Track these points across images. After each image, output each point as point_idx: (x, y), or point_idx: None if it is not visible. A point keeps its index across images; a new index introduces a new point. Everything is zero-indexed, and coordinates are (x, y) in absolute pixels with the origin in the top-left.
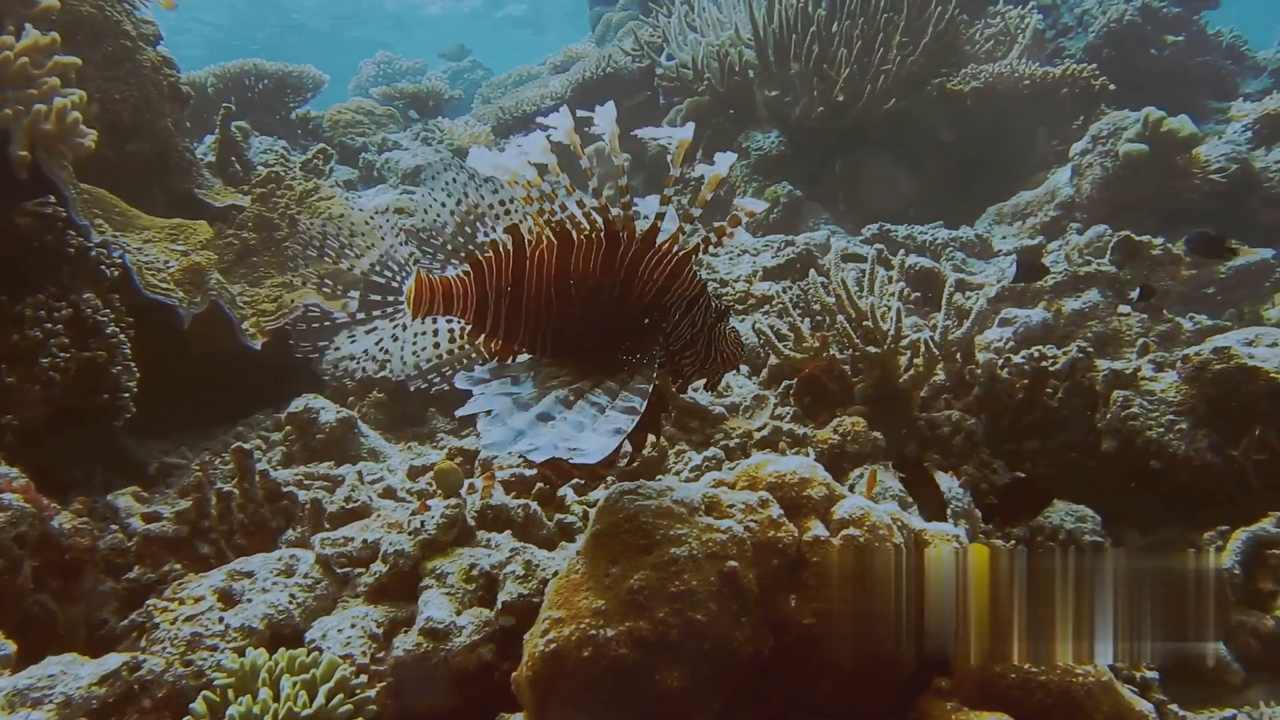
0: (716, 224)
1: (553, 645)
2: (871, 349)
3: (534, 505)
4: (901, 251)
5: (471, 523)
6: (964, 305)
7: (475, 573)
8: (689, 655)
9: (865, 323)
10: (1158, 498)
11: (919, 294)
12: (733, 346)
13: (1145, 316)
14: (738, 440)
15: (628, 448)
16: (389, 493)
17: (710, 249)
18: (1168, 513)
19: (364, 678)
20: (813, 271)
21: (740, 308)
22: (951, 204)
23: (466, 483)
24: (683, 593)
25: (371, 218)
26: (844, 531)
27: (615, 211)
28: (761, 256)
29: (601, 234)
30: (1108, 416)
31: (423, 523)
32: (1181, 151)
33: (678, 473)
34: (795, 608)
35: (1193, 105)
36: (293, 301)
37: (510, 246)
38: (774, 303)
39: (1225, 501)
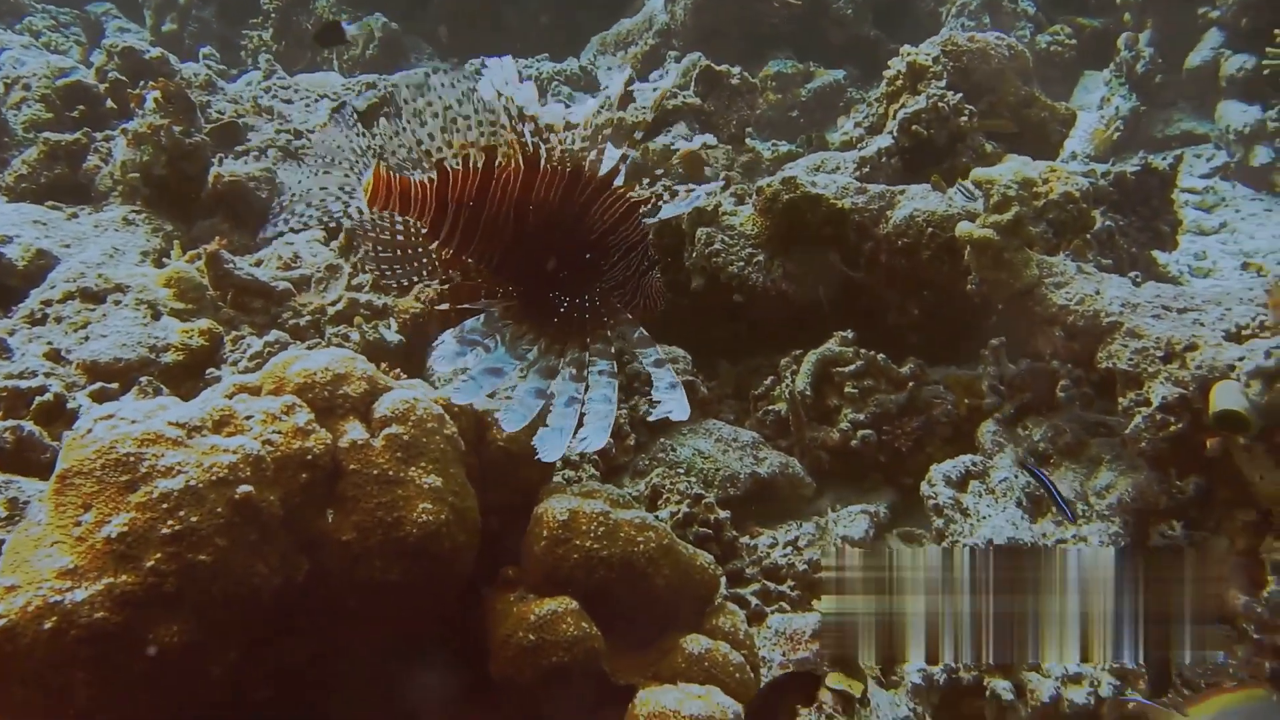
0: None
1: (0, 621)
2: None
3: (29, 426)
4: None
5: None
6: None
7: None
8: (193, 604)
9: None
10: (746, 329)
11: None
12: (656, 295)
13: (730, 147)
14: (309, 318)
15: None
16: None
17: (659, 202)
18: (755, 342)
19: None
20: (382, 120)
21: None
22: (556, 34)
23: None
24: (180, 533)
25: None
26: (386, 430)
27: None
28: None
29: (567, 168)
30: (694, 255)
31: None
32: None
33: (234, 363)
34: (333, 524)
35: None
36: None
37: (481, 165)
38: None
39: (803, 325)
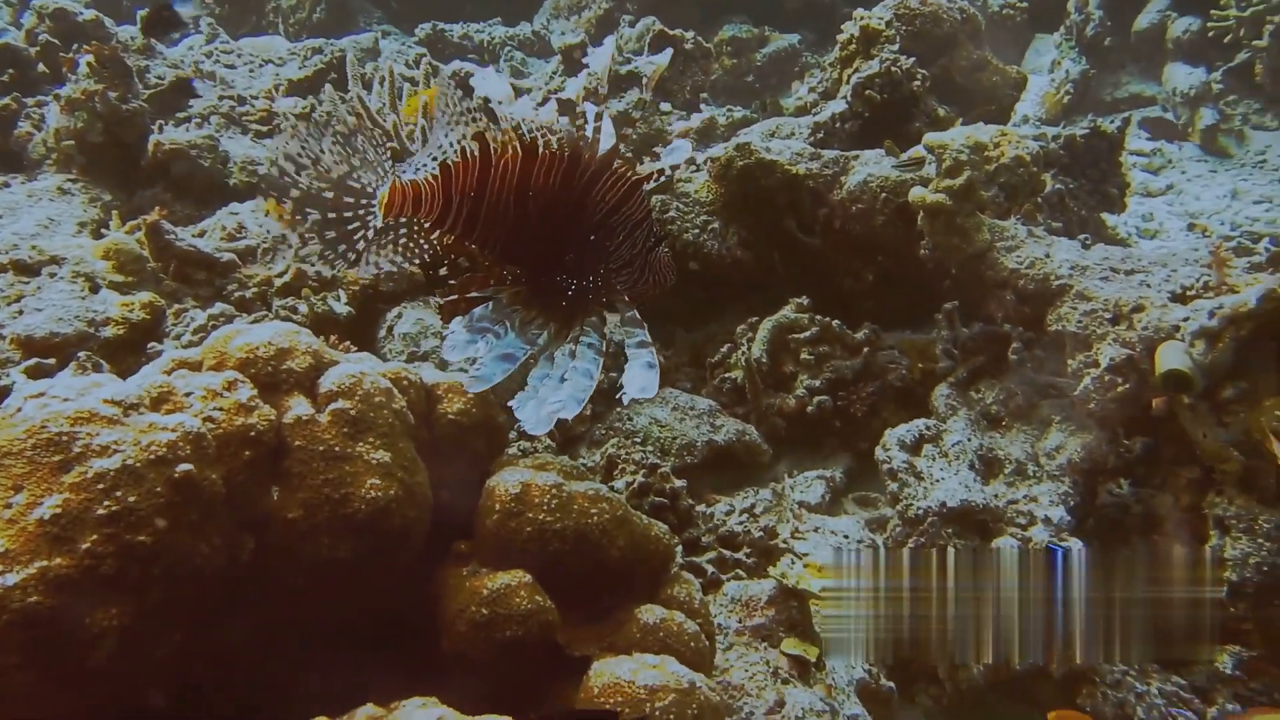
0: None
1: None
2: None
3: None
4: (456, 60)
5: None
6: (509, 116)
7: None
8: (133, 586)
9: (391, 144)
10: (702, 296)
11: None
12: (665, 270)
13: (685, 113)
14: (255, 290)
15: None
16: None
17: (661, 179)
18: (712, 310)
19: None
20: (328, 86)
21: (264, 130)
22: None
23: None
24: (117, 514)
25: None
26: (332, 405)
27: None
28: (287, 66)
29: (566, 151)
30: None
31: None
32: None
33: (177, 336)
34: (279, 502)
35: None
36: None
37: (477, 154)
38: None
39: (759, 290)
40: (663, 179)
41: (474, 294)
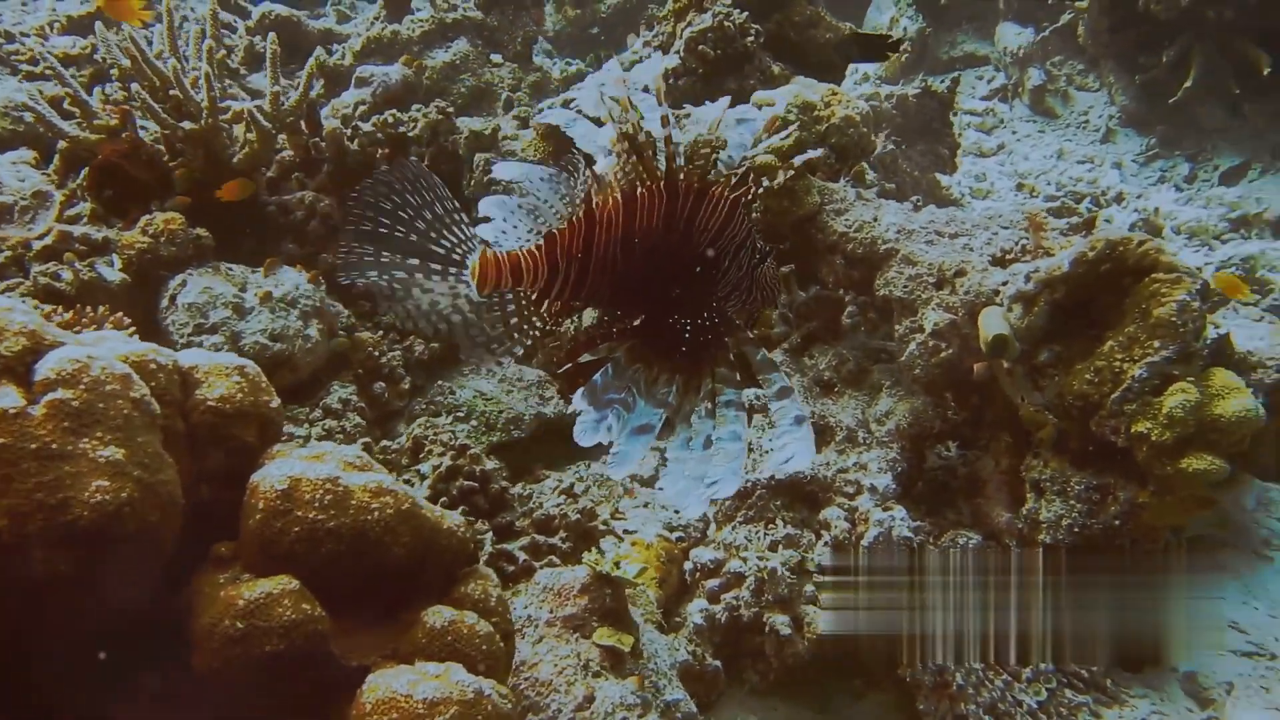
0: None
1: None
2: (187, 125)
3: None
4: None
5: None
6: (335, 64)
7: None
8: None
9: (173, 92)
10: None
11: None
12: (772, 284)
13: (516, 66)
14: (8, 253)
15: None
16: None
17: (759, 190)
18: None
19: None
20: (99, 25)
21: (35, 71)
22: None
23: None
24: None
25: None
26: (49, 396)
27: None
28: (67, 0)
29: (662, 185)
30: (472, 183)
31: None
32: None
33: None
34: None
35: None
36: None
37: (581, 216)
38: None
39: None
40: (761, 188)
41: (587, 357)
